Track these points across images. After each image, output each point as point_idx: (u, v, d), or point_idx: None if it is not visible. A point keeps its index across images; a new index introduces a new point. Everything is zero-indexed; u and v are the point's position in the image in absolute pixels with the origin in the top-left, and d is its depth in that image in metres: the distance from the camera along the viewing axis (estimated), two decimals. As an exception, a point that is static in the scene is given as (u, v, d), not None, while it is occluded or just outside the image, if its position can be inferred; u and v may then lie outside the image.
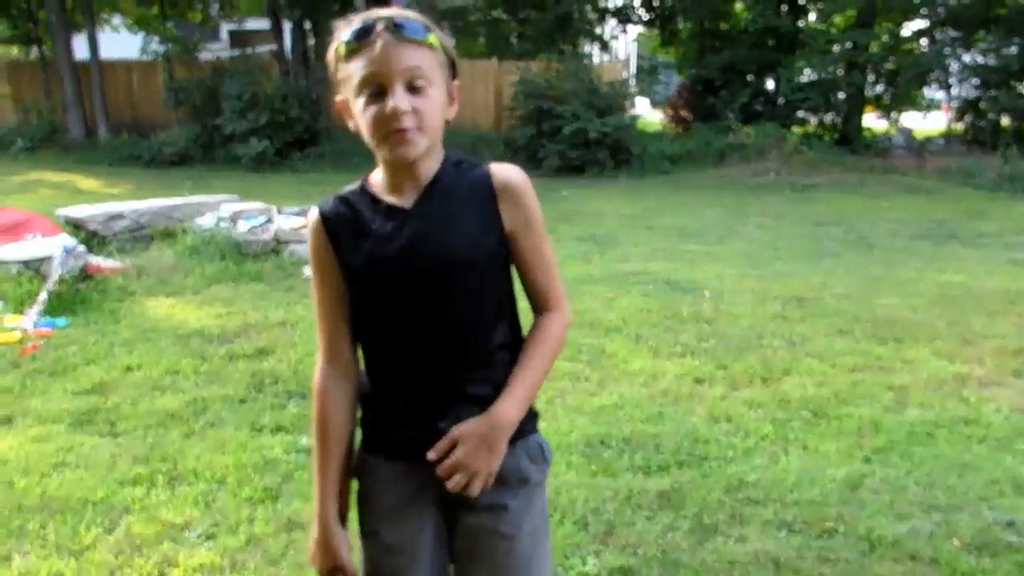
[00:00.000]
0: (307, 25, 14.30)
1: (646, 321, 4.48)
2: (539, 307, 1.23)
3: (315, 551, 1.22)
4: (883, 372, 3.71)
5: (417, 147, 1.09)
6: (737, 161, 12.47)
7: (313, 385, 1.23)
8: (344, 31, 1.09)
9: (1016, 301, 4.92)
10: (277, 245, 6.04)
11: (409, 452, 1.16)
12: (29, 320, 4.28)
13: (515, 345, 1.22)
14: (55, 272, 4.63)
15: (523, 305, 1.25)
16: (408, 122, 1.07)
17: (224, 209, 6.57)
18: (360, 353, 1.24)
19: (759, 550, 2.28)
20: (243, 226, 6.26)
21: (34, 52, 16.61)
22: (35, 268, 4.83)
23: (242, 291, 5.14)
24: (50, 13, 14.68)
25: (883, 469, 2.77)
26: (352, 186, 1.20)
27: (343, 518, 1.24)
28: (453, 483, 1.12)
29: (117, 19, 17.33)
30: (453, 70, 1.15)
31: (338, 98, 1.15)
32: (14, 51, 18.03)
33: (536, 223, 1.19)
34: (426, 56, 1.09)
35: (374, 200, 1.16)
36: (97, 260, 5.47)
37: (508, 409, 1.15)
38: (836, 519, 2.44)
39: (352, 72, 1.09)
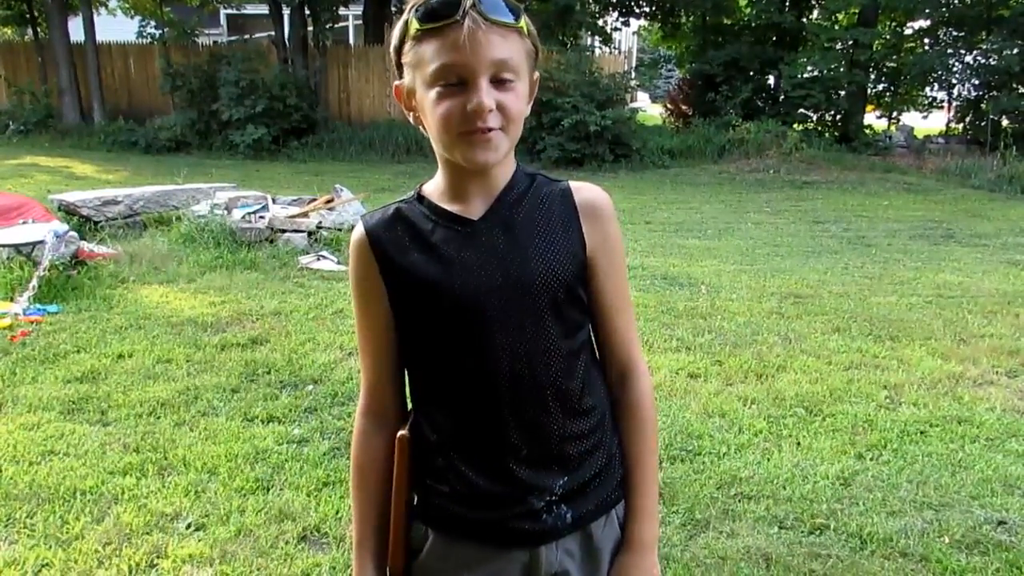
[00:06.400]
0: (306, 11, 14.17)
1: (642, 315, 4.47)
2: (620, 362, 1.04)
3: None
4: (878, 370, 3.72)
5: (499, 150, 0.92)
6: (737, 157, 12.44)
7: (354, 427, 1.07)
8: (419, 5, 0.89)
9: (1012, 302, 4.92)
10: (272, 234, 6.00)
11: (492, 534, 0.98)
12: (19, 306, 4.25)
13: (600, 393, 1.05)
14: (46, 258, 4.59)
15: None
16: (492, 121, 0.90)
17: (219, 197, 6.53)
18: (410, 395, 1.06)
19: (750, 546, 2.27)
20: (238, 214, 6.22)
21: (28, 34, 16.46)
22: (26, 253, 4.78)
23: (236, 280, 5.11)
24: (45, -7, 14.56)
25: (876, 466, 2.78)
26: (404, 196, 1.02)
27: None
28: None
29: (113, 2, 17.17)
30: (535, 59, 0.97)
31: (397, 82, 0.96)
32: (8, 32, 17.85)
33: (619, 255, 1.01)
34: (516, 44, 0.92)
35: (433, 210, 0.98)
36: (89, 246, 5.43)
37: (650, 530, 1.03)
38: (828, 516, 2.44)
39: (425, 57, 0.89)
